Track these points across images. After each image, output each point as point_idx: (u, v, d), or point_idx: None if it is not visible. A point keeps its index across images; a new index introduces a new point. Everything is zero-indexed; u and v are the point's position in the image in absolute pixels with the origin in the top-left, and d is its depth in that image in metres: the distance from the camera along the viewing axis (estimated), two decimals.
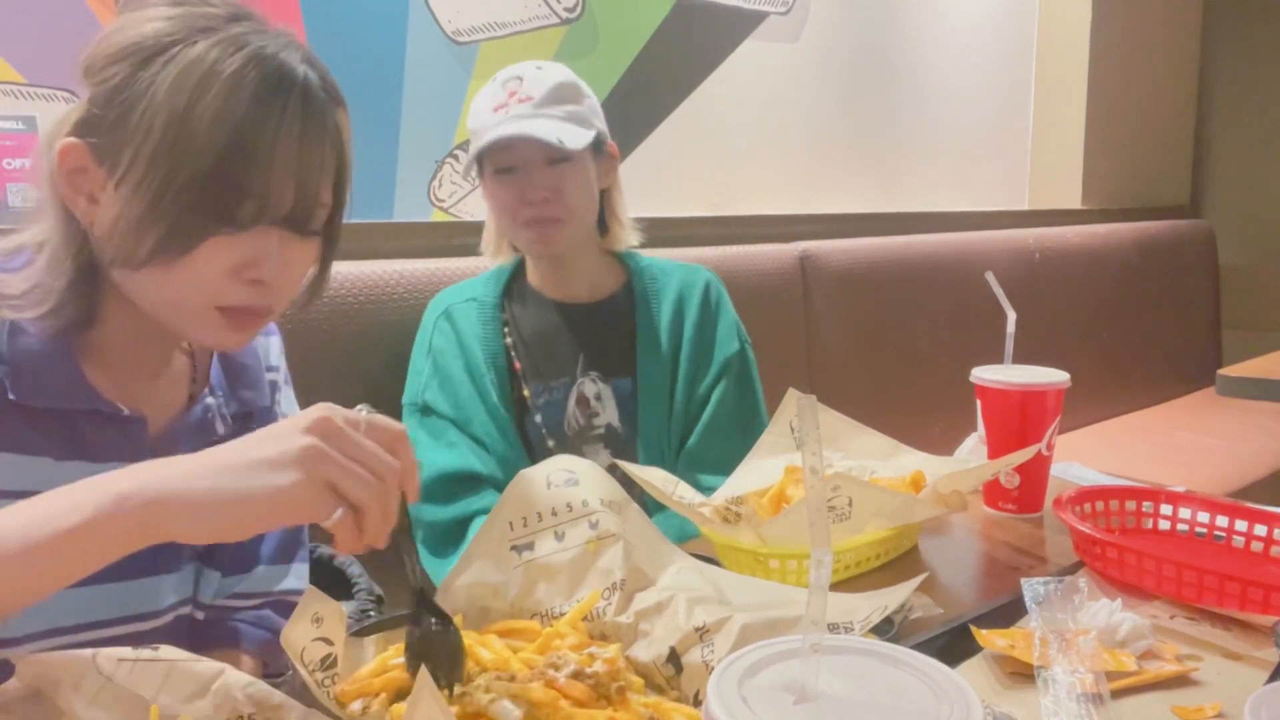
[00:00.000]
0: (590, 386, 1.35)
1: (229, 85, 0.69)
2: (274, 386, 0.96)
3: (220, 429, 0.87)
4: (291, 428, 0.62)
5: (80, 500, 0.60)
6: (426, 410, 1.32)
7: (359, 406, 0.66)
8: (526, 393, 1.34)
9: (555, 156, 1.26)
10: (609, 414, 1.35)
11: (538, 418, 1.34)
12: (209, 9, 0.73)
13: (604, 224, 1.40)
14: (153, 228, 0.70)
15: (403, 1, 1.68)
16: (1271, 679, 0.74)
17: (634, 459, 1.32)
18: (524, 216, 1.28)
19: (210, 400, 0.87)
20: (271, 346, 0.97)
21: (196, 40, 0.70)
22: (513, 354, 1.35)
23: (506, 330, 1.36)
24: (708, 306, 1.40)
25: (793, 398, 1.12)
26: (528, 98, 1.25)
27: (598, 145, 1.32)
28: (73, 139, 0.72)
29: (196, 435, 0.85)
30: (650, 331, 1.37)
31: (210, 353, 0.90)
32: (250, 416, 0.92)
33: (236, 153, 0.70)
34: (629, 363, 1.36)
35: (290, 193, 0.74)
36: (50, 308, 0.74)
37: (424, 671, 0.53)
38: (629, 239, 1.42)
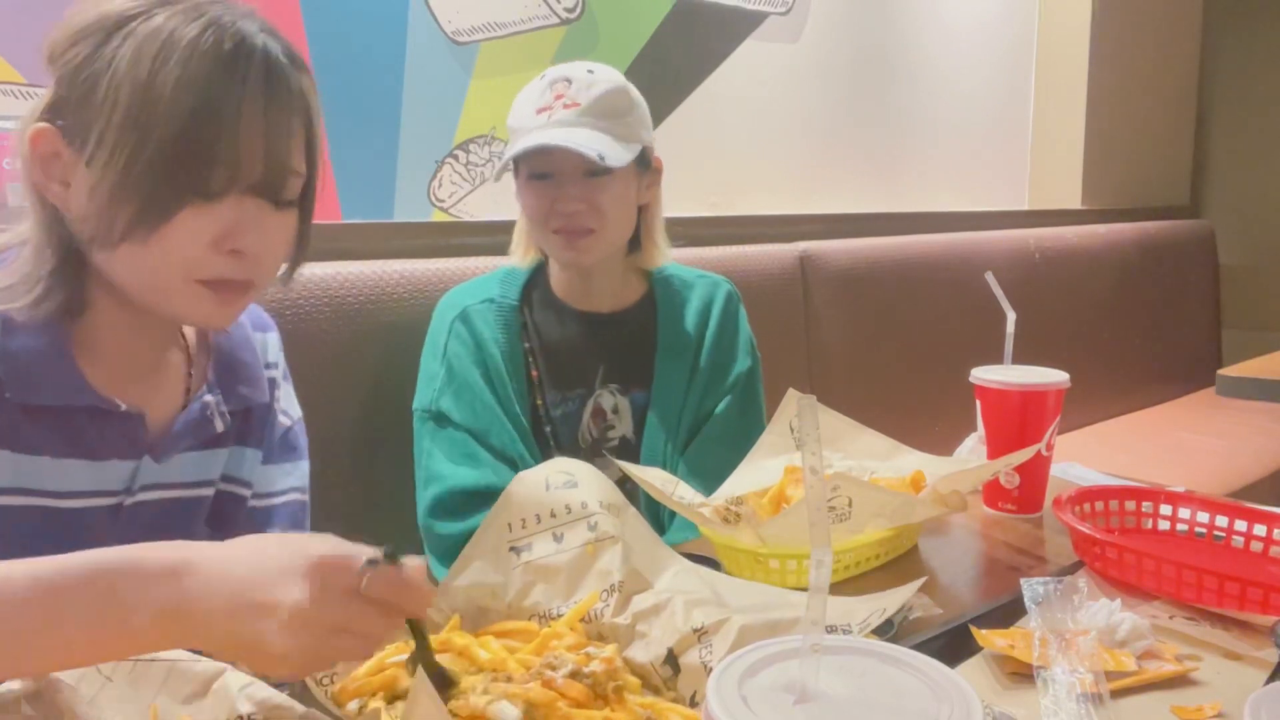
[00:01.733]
0: (608, 399, 1.31)
1: (187, 52, 0.70)
2: (273, 383, 0.96)
3: (219, 425, 0.87)
4: (290, 573, 0.56)
5: (107, 609, 0.56)
6: (441, 419, 1.26)
7: (383, 546, 0.58)
8: (540, 401, 1.30)
9: (594, 169, 1.20)
10: (624, 426, 1.31)
11: (549, 429, 1.30)
12: None
13: (636, 241, 1.34)
14: (126, 202, 0.71)
15: (403, 1, 1.68)
16: (1271, 679, 0.74)
17: None
18: (555, 224, 1.23)
19: (209, 398, 0.87)
20: (270, 343, 0.97)
21: (155, 13, 0.72)
22: (530, 360, 1.31)
23: (525, 335, 1.32)
24: (727, 323, 1.36)
25: (793, 398, 1.12)
26: (574, 104, 1.20)
27: (642, 159, 1.27)
28: (43, 124, 0.73)
29: (195, 432, 0.86)
30: (671, 344, 1.33)
31: (208, 350, 0.90)
32: (249, 413, 0.92)
33: (201, 118, 0.71)
34: (647, 374, 1.32)
35: (260, 159, 0.74)
36: (36, 296, 0.75)
37: (421, 672, 0.53)
38: (659, 261, 1.37)
